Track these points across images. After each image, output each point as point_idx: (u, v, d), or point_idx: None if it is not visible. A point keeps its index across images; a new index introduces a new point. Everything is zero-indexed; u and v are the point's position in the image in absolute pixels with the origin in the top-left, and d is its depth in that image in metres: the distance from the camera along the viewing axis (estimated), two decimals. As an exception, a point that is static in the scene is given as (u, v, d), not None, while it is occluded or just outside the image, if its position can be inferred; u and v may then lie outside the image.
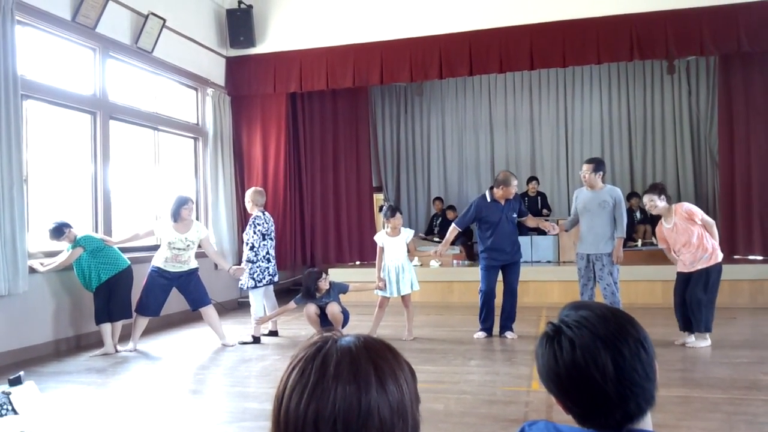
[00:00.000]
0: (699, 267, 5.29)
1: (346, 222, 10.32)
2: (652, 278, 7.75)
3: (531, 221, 6.55)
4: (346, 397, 0.82)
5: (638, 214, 10.20)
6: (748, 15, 7.46)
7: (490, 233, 6.06)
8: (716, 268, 5.31)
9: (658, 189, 5.40)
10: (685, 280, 5.40)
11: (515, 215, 6.13)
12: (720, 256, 5.34)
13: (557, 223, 6.41)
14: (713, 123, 10.52)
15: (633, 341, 1.11)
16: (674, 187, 11.13)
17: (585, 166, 5.93)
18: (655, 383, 1.13)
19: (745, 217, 8.53)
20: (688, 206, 5.46)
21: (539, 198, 10.74)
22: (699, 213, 5.41)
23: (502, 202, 6.07)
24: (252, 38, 9.00)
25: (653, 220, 7.61)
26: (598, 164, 5.93)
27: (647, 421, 1.13)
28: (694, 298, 5.26)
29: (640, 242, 9.68)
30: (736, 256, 8.57)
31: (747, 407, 3.73)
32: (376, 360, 0.87)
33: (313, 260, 9.95)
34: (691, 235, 5.29)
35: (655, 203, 5.43)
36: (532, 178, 10.92)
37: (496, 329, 6.16)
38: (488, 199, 6.11)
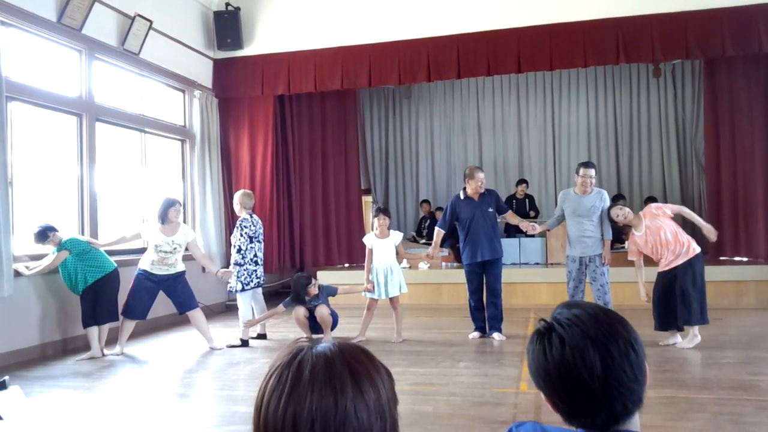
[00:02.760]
0: (680, 262, 5.32)
1: (334, 224, 10.31)
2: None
3: (512, 219, 6.52)
4: (322, 400, 0.84)
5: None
6: (733, 19, 7.54)
7: (466, 229, 6.11)
8: (698, 259, 5.36)
9: (619, 200, 5.52)
10: (665, 280, 5.43)
11: (491, 210, 6.14)
12: (697, 248, 5.38)
13: (541, 225, 6.44)
14: (699, 126, 10.62)
15: (623, 342, 1.11)
16: (660, 190, 11.23)
17: (591, 171, 5.89)
18: (643, 385, 1.13)
19: (731, 219, 8.63)
20: (654, 205, 5.58)
21: (527, 200, 10.79)
22: (667, 205, 5.53)
23: (476, 198, 6.10)
24: (239, 40, 8.98)
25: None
26: (595, 168, 6.00)
27: (635, 422, 1.14)
28: (686, 292, 5.26)
29: (626, 243, 9.72)
30: (722, 258, 8.66)
31: (733, 407, 3.76)
32: (351, 363, 0.89)
33: (301, 263, 9.93)
34: (664, 231, 5.34)
35: (625, 211, 5.52)
36: (522, 181, 10.97)
37: (490, 328, 6.20)
38: (462, 197, 6.17)
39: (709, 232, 5.52)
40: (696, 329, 5.37)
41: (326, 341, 0.94)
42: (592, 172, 5.90)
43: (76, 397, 4.47)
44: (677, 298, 5.31)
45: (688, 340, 5.42)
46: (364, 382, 0.87)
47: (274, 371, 0.89)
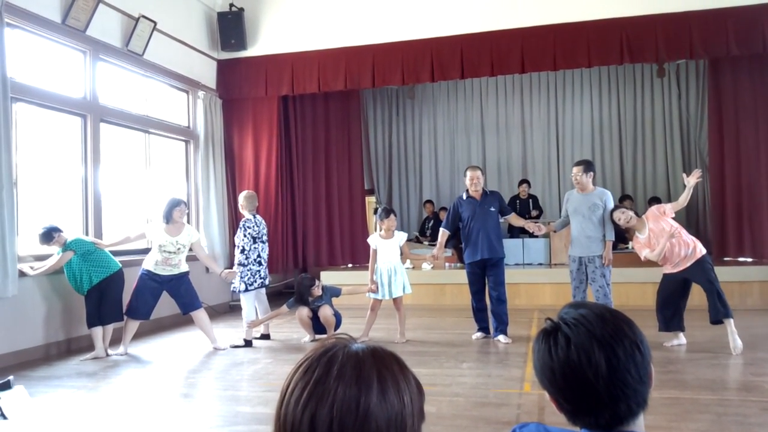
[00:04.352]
0: (688, 264, 5.29)
1: (338, 225, 10.31)
2: (644, 280, 7.78)
3: (516, 220, 6.50)
4: (345, 398, 0.82)
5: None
6: (737, 19, 7.52)
7: (466, 228, 6.11)
8: (706, 258, 5.33)
9: (623, 203, 5.44)
10: (671, 282, 5.40)
11: (493, 210, 6.12)
12: (703, 249, 5.35)
13: (547, 225, 6.43)
14: (703, 126, 10.60)
15: (629, 343, 1.11)
16: (664, 190, 11.21)
17: (575, 169, 5.95)
18: (648, 387, 1.12)
19: (736, 220, 8.60)
20: (655, 206, 5.56)
21: (530, 200, 10.78)
22: (666, 205, 5.52)
23: (478, 198, 6.11)
24: (243, 41, 8.99)
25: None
26: (587, 165, 5.96)
27: (639, 423, 1.13)
28: (712, 288, 5.19)
29: (630, 245, 9.71)
30: (726, 258, 8.64)
31: (737, 408, 3.75)
32: (381, 368, 0.87)
33: (305, 263, 9.94)
34: (666, 231, 5.31)
35: (627, 215, 5.48)
36: (524, 181, 10.97)
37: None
38: (464, 197, 6.18)
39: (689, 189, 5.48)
40: (733, 324, 5.22)
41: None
42: (575, 169, 5.92)
43: (80, 397, 4.48)
44: (706, 295, 5.23)
45: (732, 338, 5.17)
46: (390, 390, 0.85)
47: (303, 362, 0.88)
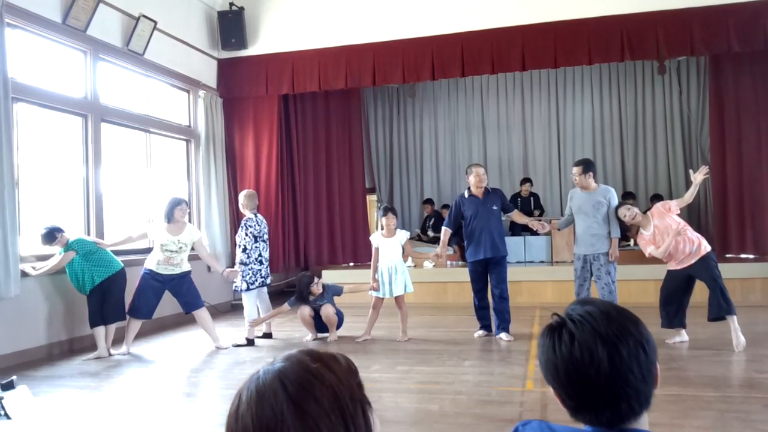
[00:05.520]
0: (693, 261, 5.28)
1: (339, 223, 10.31)
2: (645, 278, 7.78)
3: (519, 218, 6.46)
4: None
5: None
6: (738, 15, 7.51)
7: (469, 227, 6.10)
8: (711, 255, 5.32)
9: (627, 200, 5.41)
10: (675, 278, 5.39)
11: (496, 208, 6.11)
12: (708, 246, 5.34)
13: (549, 223, 6.41)
14: (704, 123, 10.58)
15: (633, 342, 1.10)
16: (666, 188, 11.20)
17: (575, 169, 5.94)
18: (651, 387, 1.12)
19: (737, 217, 8.59)
20: (660, 203, 5.55)
21: (532, 199, 10.77)
22: (671, 202, 5.51)
23: (480, 196, 6.10)
24: (244, 40, 8.99)
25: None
26: (586, 165, 5.94)
27: (643, 421, 1.13)
28: (716, 285, 5.18)
29: (633, 242, 9.71)
30: (728, 255, 8.63)
31: (740, 405, 3.75)
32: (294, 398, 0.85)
33: (306, 262, 9.95)
34: (672, 228, 5.30)
35: (633, 212, 5.47)
36: (526, 180, 10.94)
37: (496, 326, 6.19)
38: (466, 195, 6.17)
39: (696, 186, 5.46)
40: (736, 321, 5.21)
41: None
42: (574, 170, 5.94)
43: (83, 396, 4.49)
44: (709, 291, 5.22)
45: (735, 335, 5.17)
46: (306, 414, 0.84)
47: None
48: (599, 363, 1.09)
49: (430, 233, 10.91)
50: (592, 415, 1.12)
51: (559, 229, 6.54)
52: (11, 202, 5.46)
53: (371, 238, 6.34)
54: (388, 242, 6.14)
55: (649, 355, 1.12)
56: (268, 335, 6.56)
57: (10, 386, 4.13)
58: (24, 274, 5.61)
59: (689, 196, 5.51)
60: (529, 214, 10.00)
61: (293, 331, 6.89)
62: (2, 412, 3.82)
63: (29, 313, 5.73)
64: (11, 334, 5.53)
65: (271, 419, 0.82)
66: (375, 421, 0.90)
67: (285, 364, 0.89)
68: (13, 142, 5.60)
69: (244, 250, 6.27)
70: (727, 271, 7.61)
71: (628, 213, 5.50)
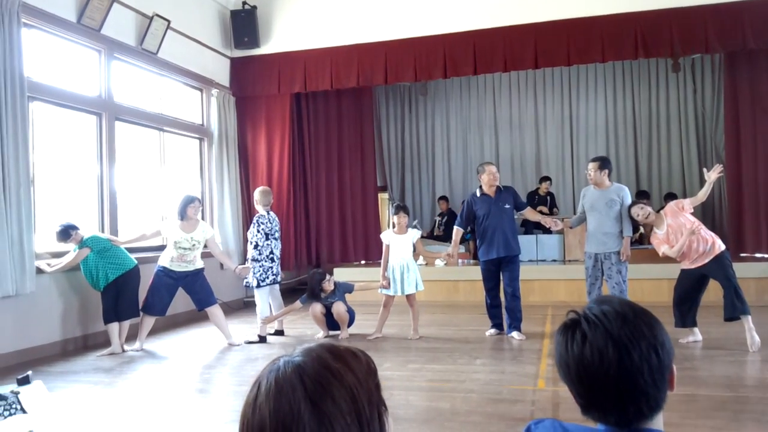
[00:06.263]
0: (707, 260, 5.23)
1: (351, 221, 10.32)
2: (659, 276, 7.72)
3: (531, 215, 6.44)
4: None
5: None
6: (754, 12, 7.43)
7: (481, 226, 6.07)
8: (725, 255, 5.26)
9: (641, 200, 5.34)
10: (689, 277, 5.35)
11: (508, 206, 6.08)
12: (722, 246, 5.28)
13: (562, 221, 6.38)
14: (719, 121, 10.47)
15: (646, 345, 1.09)
16: (680, 186, 11.09)
17: (591, 165, 5.90)
18: (663, 391, 1.10)
19: (752, 215, 8.50)
20: (674, 202, 5.50)
21: (549, 197, 10.66)
22: (685, 200, 5.46)
23: (492, 195, 6.07)
24: (256, 39, 9.02)
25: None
26: (603, 162, 5.90)
27: (657, 421, 1.12)
28: (730, 284, 5.14)
29: (641, 237, 9.64)
30: (743, 254, 8.55)
31: (755, 405, 3.72)
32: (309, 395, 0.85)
33: (318, 260, 9.97)
34: (687, 228, 5.25)
35: (646, 211, 5.43)
36: (546, 178, 10.80)
37: (508, 325, 6.17)
38: (478, 194, 6.14)
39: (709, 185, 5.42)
40: (750, 320, 5.17)
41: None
42: (590, 165, 5.89)
43: (97, 392, 4.53)
44: (723, 291, 5.18)
45: (750, 335, 5.12)
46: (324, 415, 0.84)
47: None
48: (609, 365, 1.08)
49: (442, 229, 10.89)
50: (601, 414, 1.12)
51: (571, 227, 6.50)
52: (27, 200, 5.53)
53: (382, 235, 6.35)
54: (399, 240, 6.14)
55: (663, 359, 1.10)
56: (280, 332, 6.59)
57: (25, 381, 4.17)
58: (39, 271, 5.67)
59: (703, 195, 5.46)
60: (548, 213, 9.90)
61: (305, 328, 6.91)
62: (18, 407, 3.87)
63: (44, 309, 5.80)
64: (27, 330, 5.60)
65: (287, 415, 0.83)
66: (389, 422, 0.90)
67: (305, 359, 0.89)
68: (29, 140, 5.66)
69: (256, 246, 6.30)
70: (741, 270, 7.54)
71: (641, 212, 5.46)
